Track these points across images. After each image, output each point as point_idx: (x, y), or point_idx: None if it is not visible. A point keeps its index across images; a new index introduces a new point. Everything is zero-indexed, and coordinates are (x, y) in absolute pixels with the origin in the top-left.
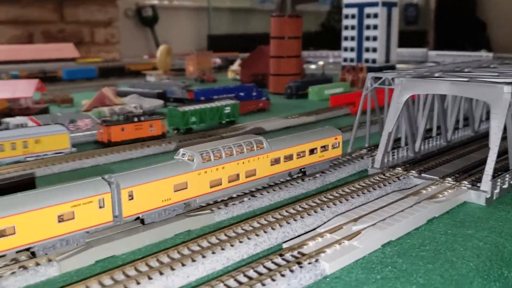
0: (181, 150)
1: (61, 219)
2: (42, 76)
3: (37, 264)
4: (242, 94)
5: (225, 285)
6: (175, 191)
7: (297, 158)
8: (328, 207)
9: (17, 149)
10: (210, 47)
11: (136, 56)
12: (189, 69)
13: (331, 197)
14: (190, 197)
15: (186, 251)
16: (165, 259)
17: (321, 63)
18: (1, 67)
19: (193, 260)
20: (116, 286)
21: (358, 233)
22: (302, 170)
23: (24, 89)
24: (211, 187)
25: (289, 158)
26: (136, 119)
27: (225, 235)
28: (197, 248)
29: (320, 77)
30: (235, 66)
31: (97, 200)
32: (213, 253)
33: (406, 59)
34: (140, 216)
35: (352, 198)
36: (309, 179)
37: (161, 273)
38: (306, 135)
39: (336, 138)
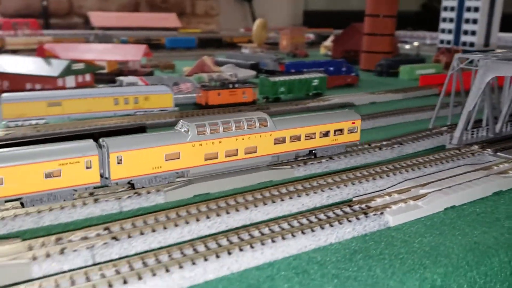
0: (181, 121)
1: (48, 175)
2: (147, 43)
3: (148, 192)
4: (331, 68)
5: (298, 222)
6: (166, 160)
7: (306, 139)
8: (400, 172)
9: (129, 104)
10: (305, 22)
11: (232, 29)
12: (283, 43)
13: (404, 164)
14: (182, 167)
15: (267, 194)
16: (250, 198)
17: (416, 43)
18: (112, 32)
19: (273, 202)
20: (210, 213)
21: (423, 195)
22: (313, 152)
23: (133, 53)
24: (206, 160)
25: (296, 138)
26: (231, 86)
27: (302, 186)
28: (277, 193)
29: (413, 57)
30: (328, 42)
31: (84, 161)
32: (290, 198)
33: (510, 44)
34: (130, 180)
35: (425, 167)
36: (386, 149)
37: (246, 208)
38: (319, 116)
39: (353, 123)
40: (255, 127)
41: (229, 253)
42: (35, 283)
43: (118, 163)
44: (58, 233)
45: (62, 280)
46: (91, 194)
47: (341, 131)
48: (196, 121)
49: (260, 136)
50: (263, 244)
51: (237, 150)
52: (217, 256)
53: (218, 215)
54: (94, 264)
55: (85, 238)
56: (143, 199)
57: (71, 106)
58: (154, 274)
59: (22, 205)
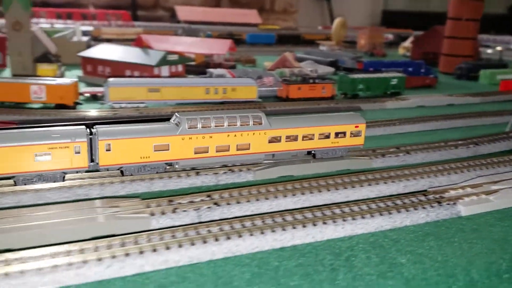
0: (175, 114)
1: (39, 157)
2: (229, 38)
3: (240, 170)
4: (410, 69)
5: (376, 204)
6: (155, 151)
7: (303, 140)
8: (473, 170)
9: (218, 94)
10: (383, 22)
11: (310, 26)
12: (361, 42)
13: (478, 163)
14: (171, 159)
15: (347, 180)
16: (331, 182)
17: (499, 48)
18: (198, 26)
19: (353, 187)
20: (295, 191)
21: (495, 191)
22: (312, 153)
23: (219, 48)
24: (195, 153)
25: (293, 139)
26: (311, 81)
27: (380, 175)
28: (356, 179)
29: (495, 62)
30: (407, 43)
31: (73, 146)
32: (369, 185)
33: None
34: (120, 167)
35: (498, 167)
36: (461, 148)
37: (328, 190)
38: (320, 118)
39: (356, 126)
40: (249, 124)
41: (314, 225)
42: (155, 233)
43: (107, 150)
44: (169, 196)
45: (177, 232)
46: (193, 168)
47: (343, 134)
48: (189, 115)
49: (254, 133)
50: (344, 220)
51: (228, 146)
52: (304, 226)
53: (302, 193)
54: (201, 223)
55: (191, 202)
56: (236, 175)
57: (168, 93)
58: (251, 234)
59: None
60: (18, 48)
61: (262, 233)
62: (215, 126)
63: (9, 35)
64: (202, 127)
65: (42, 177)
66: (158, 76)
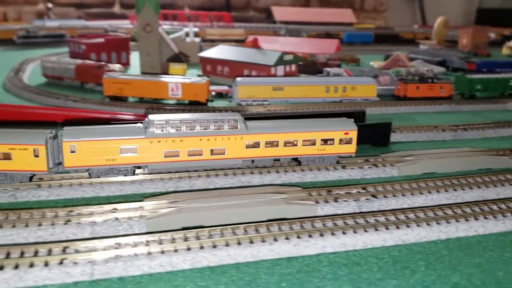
0: (147, 117)
1: (3, 157)
2: (326, 37)
3: (384, 165)
4: None
5: (488, 207)
6: (121, 153)
7: (286, 146)
8: None
9: (337, 92)
10: (478, 21)
11: (404, 25)
12: (462, 42)
13: None
14: (139, 162)
15: (494, 178)
16: (479, 180)
17: None
18: (299, 27)
19: (502, 185)
20: (441, 188)
21: None
22: (298, 160)
23: (327, 47)
24: (165, 157)
25: (273, 144)
26: (429, 81)
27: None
28: (503, 178)
29: None
30: None
31: (32, 149)
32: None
33: None
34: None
35: None
36: None
37: (478, 187)
38: (305, 123)
39: (346, 133)
40: (223, 128)
41: (476, 219)
42: (326, 219)
43: (72, 151)
44: (328, 187)
45: (338, 221)
46: (338, 162)
47: (331, 140)
48: (158, 118)
49: (229, 138)
50: (504, 216)
51: (202, 150)
52: (466, 220)
53: (454, 190)
54: (361, 213)
55: (348, 193)
56: (381, 170)
57: (290, 91)
58: (418, 225)
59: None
60: (148, 48)
61: (428, 224)
62: (186, 130)
63: (139, 36)
64: (171, 130)
65: (8, 176)
66: (275, 75)
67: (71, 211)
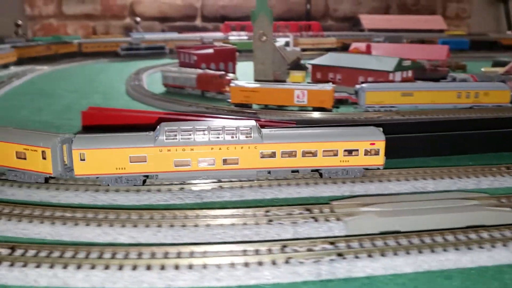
0: (160, 125)
1: (18, 156)
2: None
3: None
4: None
5: None
6: (131, 162)
7: (304, 156)
8: None
9: (469, 98)
10: None
11: (487, 31)
12: None
13: None
14: (148, 171)
15: None
16: None
17: None
18: (399, 34)
19: None
20: None
21: None
22: (319, 172)
23: (438, 53)
24: (176, 166)
25: (290, 154)
26: None
27: None
28: None
29: None
30: None
31: (40, 151)
32: None
33: None
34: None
35: None
36: None
37: None
38: (326, 132)
39: (372, 143)
40: (237, 137)
41: None
42: None
43: (82, 160)
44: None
45: None
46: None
47: (355, 151)
48: (169, 126)
49: (242, 147)
50: None
51: (213, 160)
52: None
53: None
54: None
55: None
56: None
57: (420, 97)
58: None
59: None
60: (262, 57)
61: None
62: (197, 139)
63: (254, 46)
64: (181, 139)
65: (23, 174)
66: (392, 81)
67: (268, 211)
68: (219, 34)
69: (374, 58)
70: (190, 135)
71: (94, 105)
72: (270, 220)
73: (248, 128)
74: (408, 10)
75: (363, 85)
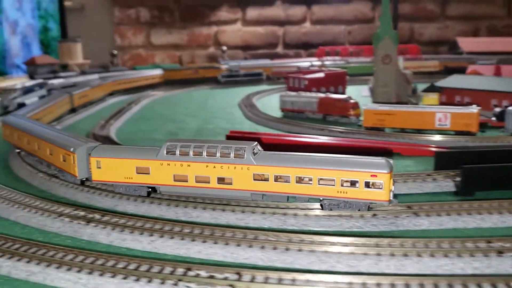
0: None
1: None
2: None
3: None
4: None
5: None
6: (137, 173)
7: (298, 183)
8: None
9: None
10: None
11: None
12: None
13: None
14: (151, 183)
15: None
16: None
17: None
18: (507, 56)
19: None
20: None
21: None
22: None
23: None
24: (175, 181)
25: (284, 179)
26: None
27: None
28: None
29: None
30: None
31: (71, 155)
32: None
33: None
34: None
35: None
36: None
37: None
38: (322, 158)
39: (373, 176)
40: (229, 157)
41: None
42: None
43: (98, 167)
44: None
45: None
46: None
47: (353, 183)
48: (172, 141)
49: (235, 167)
50: None
51: (209, 177)
52: None
53: None
54: None
55: None
56: None
57: None
58: None
59: None
60: (384, 80)
61: None
62: (193, 155)
63: (376, 68)
64: (180, 154)
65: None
66: None
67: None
68: (311, 60)
69: (504, 80)
70: (187, 150)
71: (221, 129)
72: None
73: (241, 147)
74: (498, 33)
75: (510, 107)
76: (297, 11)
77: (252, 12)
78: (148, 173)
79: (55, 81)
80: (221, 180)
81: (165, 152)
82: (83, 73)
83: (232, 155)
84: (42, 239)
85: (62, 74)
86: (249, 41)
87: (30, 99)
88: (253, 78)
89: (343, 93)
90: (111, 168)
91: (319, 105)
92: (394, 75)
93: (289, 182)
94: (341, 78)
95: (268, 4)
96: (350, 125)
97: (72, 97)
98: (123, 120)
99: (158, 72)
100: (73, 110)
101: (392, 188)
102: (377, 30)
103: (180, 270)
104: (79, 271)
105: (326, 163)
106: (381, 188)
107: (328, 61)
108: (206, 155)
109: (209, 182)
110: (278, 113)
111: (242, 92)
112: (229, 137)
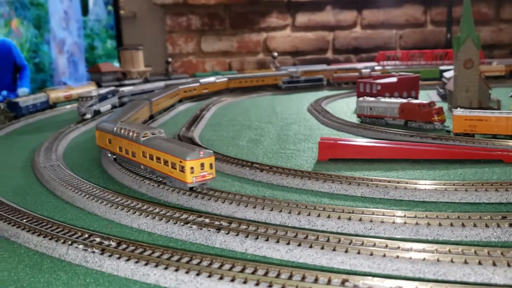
0: None
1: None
2: None
3: None
4: None
5: None
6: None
7: (157, 161)
8: None
9: None
10: None
11: None
12: None
13: None
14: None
15: None
16: None
17: None
18: None
19: None
20: None
21: None
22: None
23: None
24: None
25: (150, 157)
26: None
27: None
28: None
29: None
30: None
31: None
32: None
33: None
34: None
35: None
36: None
37: None
38: (172, 147)
39: (180, 161)
40: (132, 137)
41: None
42: None
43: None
44: None
45: None
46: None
47: (173, 165)
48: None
49: (135, 145)
50: None
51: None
52: None
53: None
54: None
55: None
56: None
57: None
58: None
59: None
60: (466, 84)
61: None
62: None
63: (458, 72)
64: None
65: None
66: None
67: None
68: (371, 64)
69: None
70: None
71: (302, 135)
72: None
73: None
74: None
75: None
76: (348, 15)
77: (302, 18)
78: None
79: (125, 89)
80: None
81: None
82: (146, 80)
83: (133, 134)
84: (172, 246)
85: (126, 81)
86: (299, 47)
87: (105, 107)
88: (314, 83)
89: (416, 98)
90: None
91: (400, 111)
92: (476, 80)
93: (153, 160)
94: (414, 82)
95: (318, 10)
96: (435, 131)
97: (151, 104)
98: (201, 126)
99: (223, 79)
100: (151, 117)
101: (203, 174)
102: (458, 34)
103: (335, 281)
104: (232, 280)
105: (170, 150)
106: (183, 172)
107: (389, 66)
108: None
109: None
110: (352, 119)
111: (304, 97)
112: (321, 144)
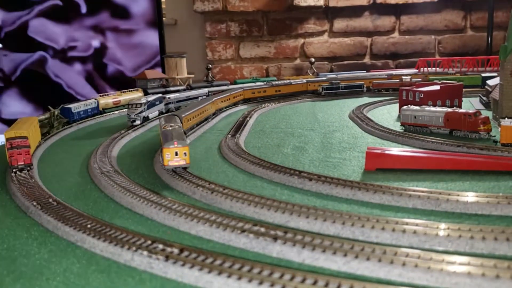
0: None
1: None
2: None
3: None
4: None
5: None
6: None
7: None
8: None
9: None
10: None
11: None
12: None
13: None
14: None
15: None
16: None
17: None
18: None
19: None
20: None
21: None
22: None
23: None
24: None
25: None
26: None
27: None
28: None
29: None
30: None
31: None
32: None
33: None
34: None
35: None
36: None
37: None
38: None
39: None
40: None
41: None
42: None
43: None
44: None
45: None
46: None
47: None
48: None
49: None
50: None
51: None
52: None
53: None
54: None
55: None
56: None
57: None
58: None
59: None
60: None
61: None
62: None
63: (504, 81)
64: None
65: None
66: None
67: None
68: (411, 71)
69: None
70: None
71: (346, 143)
72: None
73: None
74: None
75: None
76: (386, 21)
77: (340, 24)
78: None
79: (171, 95)
80: None
81: None
82: (190, 87)
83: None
84: (231, 254)
85: (171, 88)
86: (336, 52)
87: (153, 113)
88: (353, 90)
89: (459, 106)
90: None
91: (445, 120)
92: None
93: None
94: (457, 90)
95: (355, 15)
96: (481, 141)
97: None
98: (245, 133)
99: (266, 85)
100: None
101: (177, 159)
102: (505, 43)
103: None
104: None
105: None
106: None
107: (430, 73)
108: None
109: None
110: (395, 127)
111: (344, 104)
112: (368, 154)
